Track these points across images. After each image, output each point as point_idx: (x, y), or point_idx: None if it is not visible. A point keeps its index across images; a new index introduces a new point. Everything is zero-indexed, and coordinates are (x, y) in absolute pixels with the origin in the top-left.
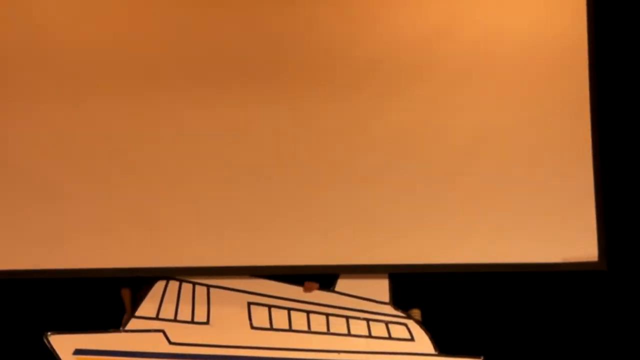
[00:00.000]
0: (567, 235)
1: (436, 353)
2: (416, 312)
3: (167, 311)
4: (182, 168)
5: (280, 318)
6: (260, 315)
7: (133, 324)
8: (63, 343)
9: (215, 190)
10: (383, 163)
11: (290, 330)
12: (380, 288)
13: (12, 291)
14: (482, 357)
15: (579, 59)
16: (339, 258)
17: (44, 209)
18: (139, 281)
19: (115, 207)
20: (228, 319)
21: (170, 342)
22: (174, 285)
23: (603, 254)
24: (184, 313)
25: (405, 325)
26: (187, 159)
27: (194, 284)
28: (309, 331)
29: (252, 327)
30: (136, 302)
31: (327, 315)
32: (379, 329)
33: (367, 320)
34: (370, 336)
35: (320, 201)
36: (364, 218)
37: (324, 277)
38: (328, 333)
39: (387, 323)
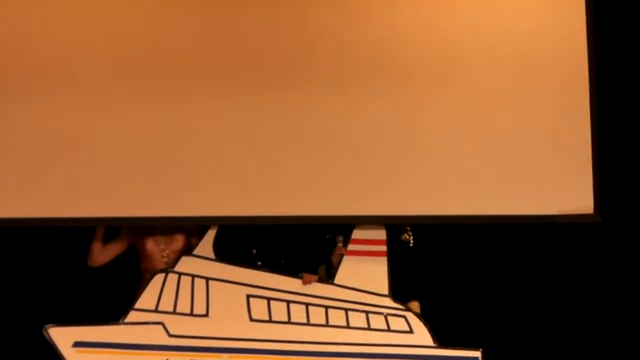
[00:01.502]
0: (563, 188)
1: (435, 345)
2: (415, 305)
3: (166, 303)
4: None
5: (279, 310)
6: (259, 308)
7: (132, 316)
8: (62, 335)
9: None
10: (381, 117)
11: (289, 322)
12: (380, 280)
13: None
14: (480, 350)
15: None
16: (336, 209)
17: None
18: None
19: (116, 160)
20: (227, 312)
21: (169, 334)
22: (172, 278)
23: (598, 206)
24: (183, 305)
25: (404, 317)
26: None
27: (193, 276)
28: (308, 323)
29: (251, 320)
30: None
31: (326, 307)
32: (377, 321)
33: (366, 312)
34: (369, 328)
35: (318, 155)
36: (361, 171)
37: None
38: (327, 325)
39: (386, 315)
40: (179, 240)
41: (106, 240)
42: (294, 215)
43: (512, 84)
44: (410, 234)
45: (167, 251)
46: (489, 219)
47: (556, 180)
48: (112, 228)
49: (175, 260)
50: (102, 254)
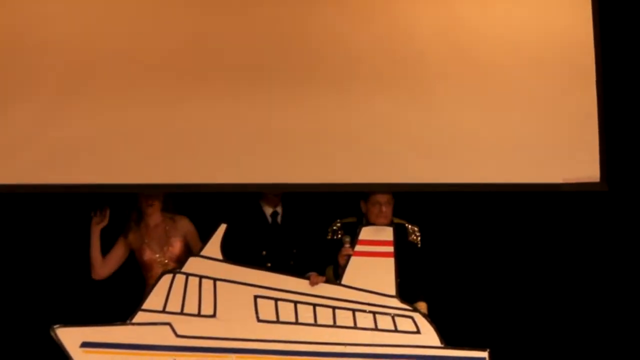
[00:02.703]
0: (569, 156)
1: (442, 345)
2: (422, 305)
3: (174, 304)
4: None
5: (286, 311)
6: (266, 309)
7: (140, 317)
8: (70, 336)
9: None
10: (386, 84)
11: (296, 323)
12: (387, 281)
13: None
14: (487, 350)
15: None
16: (342, 177)
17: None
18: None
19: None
20: (234, 312)
21: (177, 335)
22: (180, 278)
23: (604, 174)
24: (191, 306)
25: (412, 318)
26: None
27: (201, 277)
28: (316, 324)
29: (259, 320)
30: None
31: (334, 308)
32: (385, 322)
33: (374, 313)
34: (376, 329)
35: (322, 124)
36: (367, 139)
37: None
38: (334, 326)
39: (393, 316)
40: (174, 247)
41: (104, 251)
42: (302, 183)
43: (518, 55)
44: (418, 234)
45: (165, 259)
46: (494, 187)
47: (562, 148)
48: (109, 238)
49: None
50: (104, 265)
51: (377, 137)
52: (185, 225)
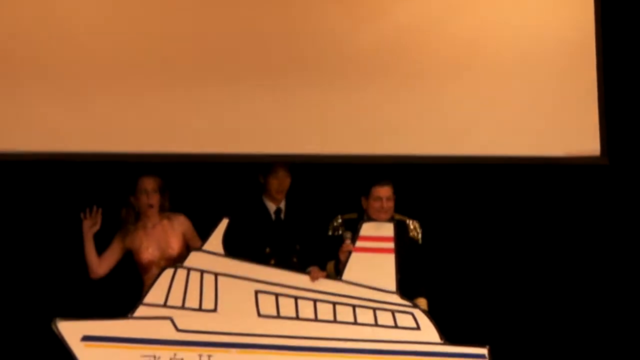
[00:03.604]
0: (570, 130)
1: (442, 342)
2: (422, 302)
3: (175, 299)
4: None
5: (287, 306)
6: (267, 304)
7: (141, 311)
8: (71, 330)
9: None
10: (389, 58)
11: (297, 318)
12: (387, 277)
13: None
14: (487, 347)
15: None
16: (343, 148)
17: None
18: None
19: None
20: (235, 307)
21: (177, 329)
22: (182, 273)
23: (605, 148)
24: (192, 300)
25: (412, 314)
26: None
27: (202, 271)
28: (316, 319)
29: (259, 315)
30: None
31: (334, 303)
32: (385, 318)
33: (374, 309)
34: (376, 325)
35: (326, 96)
36: (368, 111)
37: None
38: (335, 322)
39: (393, 312)
40: (173, 247)
41: (101, 249)
42: (304, 154)
43: (519, 30)
44: (419, 230)
45: (163, 261)
46: (495, 159)
47: (562, 122)
48: (104, 237)
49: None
50: (101, 264)
51: (380, 109)
52: (182, 222)
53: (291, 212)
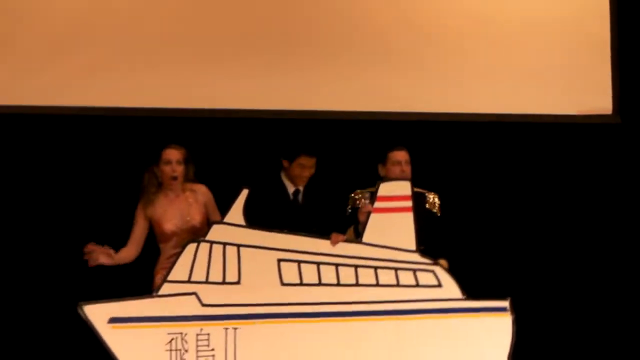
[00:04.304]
0: (582, 88)
1: (464, 298)
2: (443, 263)
3: (199, 273)
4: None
5: (309, 273)
6: (290, 272)
7: (165, 288)
8: (97, 312)
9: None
10: (406, 14)
11: (319, 284)
12: (407, 237)
13: None
14: (509, 299)
15: None
16: (350, 104)
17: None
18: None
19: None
20: (259, 278)
21: (202, 304)
22: (204, 247)
23: (617, 107)
24: (215, 274)
25: (433, 272)
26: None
27: (225, 244)
28: (339, 284)
29: (283, 284)
30: None
31: (356, 267)
32: (406, 277)
33: (395, 269)
34: (398, 285)
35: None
36: (385, 68)
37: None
38: (357, 285)
39: (414, 271)
40: (195, 218)
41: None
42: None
43: None
44: (438, 202)
45: (185, 232)
46: (508, 117)
47: (575, 80)
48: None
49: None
50: (131, 248)
51: (393, 67)
52: (205, 193)
53: (309, 195)
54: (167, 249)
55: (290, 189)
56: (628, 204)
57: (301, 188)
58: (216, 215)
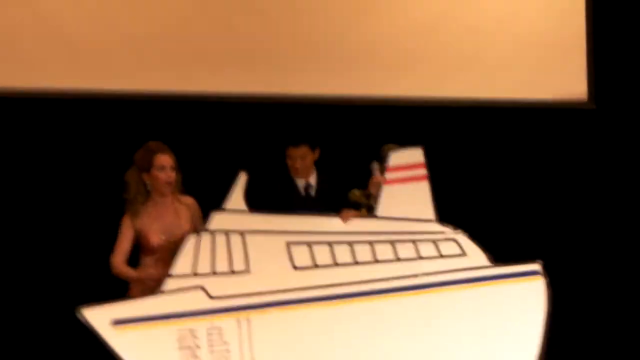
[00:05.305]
0: (557, 74)
1: (492, 265)
2: None
3: (204, 265)
4: None
5: (322, 254)
6: (301, 254)
7: (170, 284)
8: (98, 316)
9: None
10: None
11: (334, 265)
12: (424, 206)
13: None
14: (540, 261)
15: None
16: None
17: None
18: None
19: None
20: (268, 264)
21: (210, 297)
22: (206, 237)
23: (592, 92)
24: (222, 264)
25: (455, 240)
26: None
27: (227, 232)
28: (355, 263)
29: (295, 268)
30: None
31: (372, 243)
32: (427, 249)
33: (414, 241)
34: (419, 258)
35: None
36: (367, 54)
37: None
38: (375, 262)
39: (435, 241)
40: (183, 231)
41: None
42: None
43: None
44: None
45: (172, 245)
46: (486, 103)
47: (551, 66)
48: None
49: None
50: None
51: (371, 55)
52: (193, 206)
53: (321, 187)
54: (148, 262)
55: (301, 183)
56: (602, 187)
57: (312, 182)
58: None
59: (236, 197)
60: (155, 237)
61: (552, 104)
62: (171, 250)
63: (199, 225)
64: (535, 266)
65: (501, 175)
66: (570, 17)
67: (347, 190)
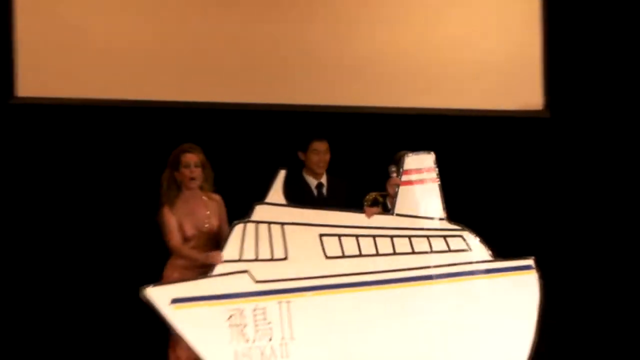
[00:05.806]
0: (515, 86)
1: (492, 259)
2: None
3: (249, 252)
4: None
5: (350, 245)
6: (332, 245)
7: (219, 268)
8: (160, 294)
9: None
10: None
11: (360, 255)
12: (435, 205)
13: None
14: (533, 257)
15: None
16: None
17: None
18: None
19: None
20: (304, 253)
21: (255, 281)
22: (251, 227)
23: (547, 103)
24: (264, 252)
25: (461, 236)
26: None
27: (269, 223)
28: (377, 254)
29: (327, 257)
30: None
31: (392, 237)
32: (438, 244)
33: (427, 236)
34: (431, 251)
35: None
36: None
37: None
38: (394, 254)
39: (445, 237)
40: (213, 224)
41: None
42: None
43: None
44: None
45: (203, 236)
46: (447, 111)
47: (508, 78)
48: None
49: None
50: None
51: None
52: (220, 203)
53: (333, 187)
54: (182, 251)
55: (313, 183)
56: (556, 188)
57: (324, 182)
58: (225, 227)
59: (275, 192)
60: (188, 227)
61: (512, 113)
62: (202, 239)
63: (223, 222)
64: (529, 261)
65: (459, 182)
66: (528, 35)
67: (356, 190)
